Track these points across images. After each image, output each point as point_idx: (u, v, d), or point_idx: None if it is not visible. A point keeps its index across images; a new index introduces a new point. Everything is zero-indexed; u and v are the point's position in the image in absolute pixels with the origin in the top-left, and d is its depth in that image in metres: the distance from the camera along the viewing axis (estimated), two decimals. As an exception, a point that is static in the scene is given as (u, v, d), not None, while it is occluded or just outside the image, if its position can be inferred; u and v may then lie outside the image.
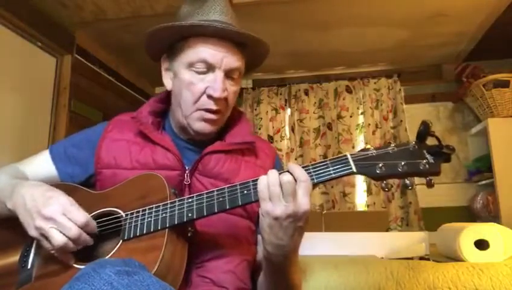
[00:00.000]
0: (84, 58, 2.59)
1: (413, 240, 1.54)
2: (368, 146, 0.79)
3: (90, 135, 1.03)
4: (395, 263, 1.25)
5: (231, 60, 0.92)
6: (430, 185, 0.76)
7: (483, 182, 2.84)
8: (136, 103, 3.18)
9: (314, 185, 0.76)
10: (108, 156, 0.96)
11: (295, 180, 0.73)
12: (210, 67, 0.91)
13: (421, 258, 1.47)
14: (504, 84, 2.68)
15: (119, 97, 2.98)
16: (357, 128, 3.29)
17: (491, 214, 2.73)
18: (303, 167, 0.77)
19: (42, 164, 1.02)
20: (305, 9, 2.37)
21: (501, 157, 2.59)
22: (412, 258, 1.45)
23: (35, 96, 2.27)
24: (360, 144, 3.26)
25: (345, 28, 2.62)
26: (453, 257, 1.32)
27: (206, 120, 0.93)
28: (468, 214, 2.96)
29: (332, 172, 0.76)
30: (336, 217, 2.20)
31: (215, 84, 0.90)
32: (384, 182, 0.77)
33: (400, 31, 2.68)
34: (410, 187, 0.77)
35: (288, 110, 3.41)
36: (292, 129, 3.34)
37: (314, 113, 3.34)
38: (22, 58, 2.17)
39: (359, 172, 0.76)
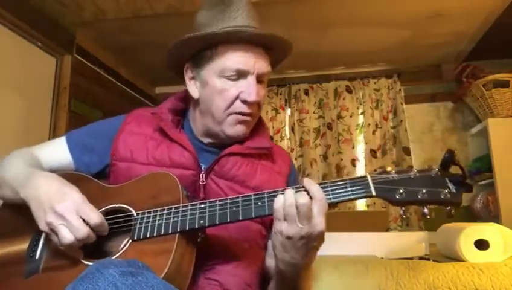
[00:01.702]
0: (84, 58, 2.59)
1: (413, 240, 1.54)
2: (389, 168, 0.77)
3: (108, 125, 1.02)
4: (395, 263, 1.25)
5: (262, 65, 0.92)
6: (450, 215, 0.74)
7: (483, 182, 2.84)
8: (136, 103, 3.18)
9: (331, 205, 0.75)
10: (125, 148, 0.96)
11: (310, 198, 0.72)
12: (242, 74, 0.91)
13: (421, 258, 1.48)
14: (504, 84, 2.67)
15: (119, 97, 2.98)
16: (357, 128, 3.29)
17: (491, 214, 2.73)
18: (321, 184, 0.75)
19: (58, 151, 1.01)
20: (305, 9, 2.37)
21: (501, 157, 2.58)
22: (412, 258, 1.45)
23: (35, 96, 2.27)
24: (360, 144, 3.26)
25: (345, 28, 2.61)
26: (453, 257, 1.32)
27: (240, 122, 0.93)
28: (468, 214, 2.96)
29: (350, 193, 0.75)
30: (336, 217, 2.19)
31: (249, 88, 0.90)
32: (403, 208, 0.75)
33: (400, 31, 2.68)
34: (428, 216, 0.74)
35: (288, 110, 3.41)
36: (292, 129, 3.34)
37: (314, 113, 3.34)
38: (22, 58, 2.16)
39: (378, 196, 0.74)
